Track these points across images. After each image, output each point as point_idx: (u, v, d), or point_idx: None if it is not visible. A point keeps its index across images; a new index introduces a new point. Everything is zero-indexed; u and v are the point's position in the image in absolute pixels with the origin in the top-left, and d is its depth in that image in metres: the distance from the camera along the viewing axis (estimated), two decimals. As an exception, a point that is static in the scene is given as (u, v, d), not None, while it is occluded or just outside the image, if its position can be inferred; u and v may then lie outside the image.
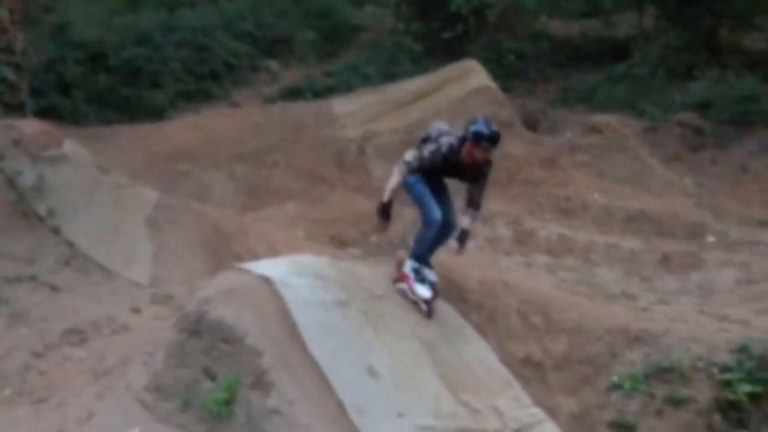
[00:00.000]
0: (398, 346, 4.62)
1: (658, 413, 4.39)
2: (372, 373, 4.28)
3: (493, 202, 8.68)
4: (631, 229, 8.40)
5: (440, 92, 11.00)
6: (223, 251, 6.14)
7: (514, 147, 10.11)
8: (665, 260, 7.28)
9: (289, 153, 9.87)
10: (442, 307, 5.24)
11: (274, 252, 6.02)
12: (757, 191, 9.92)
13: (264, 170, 9.73)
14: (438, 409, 4.25)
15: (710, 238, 8.10)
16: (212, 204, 8.20)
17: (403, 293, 4.69)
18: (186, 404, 3.84)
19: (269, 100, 12.72)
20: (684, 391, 4.40)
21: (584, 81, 13.12)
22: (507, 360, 4.87)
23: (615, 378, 4.65)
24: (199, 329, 4.03)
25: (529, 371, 4.87)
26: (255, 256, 5.80)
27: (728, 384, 4.38)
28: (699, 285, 6.57)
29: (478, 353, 4.96)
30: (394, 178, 4.45)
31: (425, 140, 4.62)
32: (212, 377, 3.85)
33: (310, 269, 4.94)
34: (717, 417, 4.30)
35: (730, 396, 4.33)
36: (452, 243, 4.64)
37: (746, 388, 4.30)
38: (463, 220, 4.61)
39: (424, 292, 4.65)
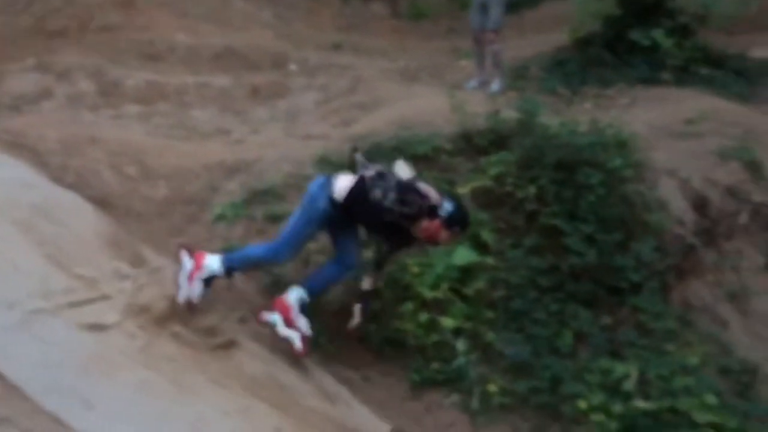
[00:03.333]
0: (-15, 235, 4.05)
1: (260, 232, 4.70)
2: (-44, 271, 3.70)
3: (67, 54, 7.80)
4: (219, 66, 8.39)
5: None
6: None
7: (79, -10, 9.05)
8: (254, 92, 7.51)
9: None
10: (35, 179, 4.69)
11: None
12: (328, 17, 10.72)
13: None
14: (48, 290, 3.91)
15: (292, 66, 8.57)
16: None
17: (268, 324, 4.01)
18: None
19: None
20: (279, 207, 4.76)
21: None
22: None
23: (218, 210, 4.80)
24: None
25: (133, 223, 4.74)
26: None
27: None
28: (286, 111, 6.99)
29: (88, 220, 4.63)
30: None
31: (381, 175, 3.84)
32: None
33: None
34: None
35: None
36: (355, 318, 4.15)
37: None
38: (366, 282, 4.14)
39: (304, 325, 4.01)
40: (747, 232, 5.05)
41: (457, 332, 4.55)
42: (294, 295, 3.99)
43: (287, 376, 4.17)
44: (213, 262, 3.94)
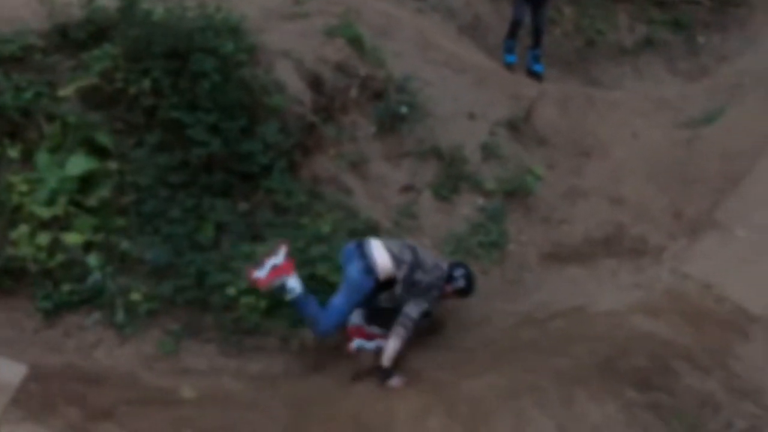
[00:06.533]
0: None
1: None
2: None
3: None
4: None
5: None
6: None
7: None
8: None
9: None
10: None
11: None
12: None
13: None
14: None
15: None
16: None
17: (358, 351, 4.32)
18: None
19: None
20: None
21: None
22: None
23: None
24: None
25: None
26: None
27: None
28: None
29: None
30: (399, 344, 4.12)
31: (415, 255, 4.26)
32: None
33: None
34: None
35: None
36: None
37: None
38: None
39: (377, 330, 4.38)
40: (358, 105, 5.47)
41: (87, 247, 4.20)
42: (355, 318, 4.33)
43: None
44: (296, 282, 4.18)
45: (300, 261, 4.57)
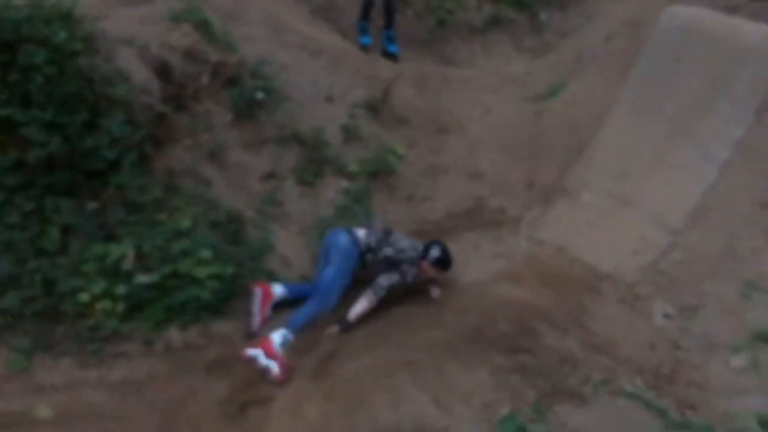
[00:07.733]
0: None
1: None
2: None
3: None
4: None
5: None
6: None
7: None
8: None
9: None
10: None
11: None
12: None
13: None
14: None
15: None
16: None
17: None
18: None
19: None
20: None
21: None
22: None
23: None
24: None
25: None
26: None
27: None
28: None
29: None
30: (366, 305, 4.50)
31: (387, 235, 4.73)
32: None
33: None
34: None
35: None
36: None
37: None
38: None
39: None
40: (211, 92, 5.25)
41: None
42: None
43: None
44: (280, 336, 4.22)
45: (160, 258, 4.36)
